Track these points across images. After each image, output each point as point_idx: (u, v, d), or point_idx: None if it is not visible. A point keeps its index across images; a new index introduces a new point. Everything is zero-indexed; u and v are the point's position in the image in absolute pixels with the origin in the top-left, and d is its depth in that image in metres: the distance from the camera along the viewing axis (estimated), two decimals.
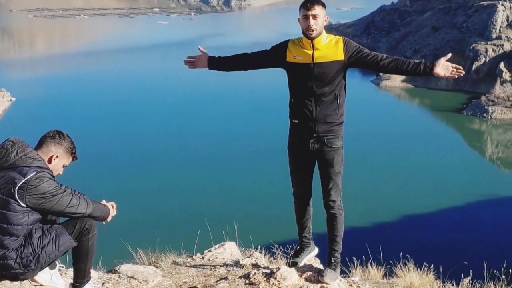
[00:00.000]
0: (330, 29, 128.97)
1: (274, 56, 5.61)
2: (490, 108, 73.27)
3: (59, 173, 4.92)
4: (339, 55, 5.35)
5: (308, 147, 5.54)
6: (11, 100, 74.58)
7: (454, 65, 5.33)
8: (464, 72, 5.35)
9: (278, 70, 5.61)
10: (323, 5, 5.40)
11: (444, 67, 5.35)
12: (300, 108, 5.49)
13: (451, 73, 5.36)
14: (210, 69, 5.79)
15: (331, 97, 5.43)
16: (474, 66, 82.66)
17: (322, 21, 5.35)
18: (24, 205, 4.52)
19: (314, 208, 5.94)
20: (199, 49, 5.78)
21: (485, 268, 6.99)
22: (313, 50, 5.38)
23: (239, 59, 5.76)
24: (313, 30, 5.31)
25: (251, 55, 5.74)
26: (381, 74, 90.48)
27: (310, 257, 6.15)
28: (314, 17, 5.30)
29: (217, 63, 5.75)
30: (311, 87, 5.41)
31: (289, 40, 5.59)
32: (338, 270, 5.74)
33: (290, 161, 5.80)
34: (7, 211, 4.50)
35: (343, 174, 5.68)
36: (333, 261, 5.71)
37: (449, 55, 5.46)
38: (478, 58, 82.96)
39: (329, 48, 5.38)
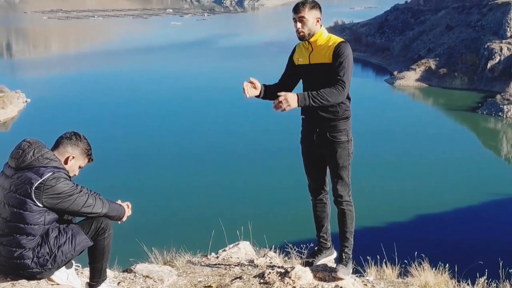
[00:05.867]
0: (344, 28, 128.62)
1: (291, 66, 5.73)
2: (505, 107, 72.82)
3: (74, 174, 4.95)
4: (328, 58, 5.39)
5: (314, 141, 5.64)
6: (26, 101, 75.02)
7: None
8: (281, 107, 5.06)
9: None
10: (313, 6, 5.40)
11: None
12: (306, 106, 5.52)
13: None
14: (261, 98, 5.67)
15: None
16: (489, 65, 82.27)
17: (311, 22, 5.37)
18: (41, 205, 4.55)
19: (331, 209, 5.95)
20: (251, 81, 5.49)
21: (500, 268, 6.95)
22: (311, 50, 5.47)
23: (279, 85, 5.74)
24: (300, 33, 5.40)
25: (283, 75, 5.80)
26: (395, 73, 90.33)
27: (327, 261, 6.12)
28: (301, 20, 5.36)
29: (267, 94, 5.65)
30: (311, 86, 5.46)
31: (297, 44, 5.68)
32: (350, 266, 5.73)
33: (302, 155, 5.91)
34: (24, 211, 4.54)
35: (351, 170, 5.68)
36: (344, 257, 5.71)
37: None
38: (493, 56, 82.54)
39: (323, 50, 5.42)
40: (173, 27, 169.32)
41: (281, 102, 5.00)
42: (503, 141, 65.44)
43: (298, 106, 5.14)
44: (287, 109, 5.04)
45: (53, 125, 54.51)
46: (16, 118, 69.41)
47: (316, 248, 6.15)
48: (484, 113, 73.06)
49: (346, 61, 5.35)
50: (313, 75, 5.50)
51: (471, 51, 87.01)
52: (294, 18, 5.41)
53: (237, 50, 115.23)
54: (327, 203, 5.97)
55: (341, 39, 5.49)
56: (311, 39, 5.43)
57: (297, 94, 5.14)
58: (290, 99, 5.04)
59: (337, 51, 5.35)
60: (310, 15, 5.38)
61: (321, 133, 5.58)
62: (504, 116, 71.60)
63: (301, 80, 5.72)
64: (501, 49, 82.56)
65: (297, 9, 5.38)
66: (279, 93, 5.09)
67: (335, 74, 5.33)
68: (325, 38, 5.45)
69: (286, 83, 5.79)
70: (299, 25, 5.37)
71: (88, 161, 5.02)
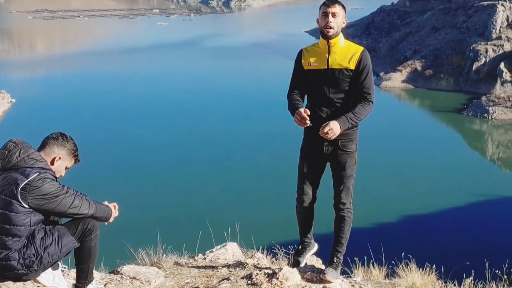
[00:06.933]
0: None
1: (298, 72, 5.64)
2: (490, 108, 73.20)
3: (61, 175, 4.92)
4: (351, 65, 5.34)
5: (322, 150, 5.55)
6: (11, 101, 74.49)
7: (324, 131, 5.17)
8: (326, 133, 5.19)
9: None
10: (343, 7, 5.42)
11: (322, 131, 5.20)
12: (314, 112, 5.46)
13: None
14: None
15: (344, 101, 5.43)
16: (474, 67, 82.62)
17: (341, 21, 5.36)
18: (27, 206, 4.52)
19: (317, 208, 5.95)
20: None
21: (486, 268, 6.99)
22: (329, 53, 5.37)
23: (298, 94, 5.64)
24: (331, 28, 5.31)
25: (295, 83, 5.70)
26: (381, 74, 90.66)
27: (311, 254, 6.17)
28: (334, 15, 5.31)
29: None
30: (325, 92, 5.43)
31: (302, 49, 5.61)
32: (339, 270, 5.77)
33: (300, 163, 5.78)
34: (10, 212, 4.50)
35: (355, 178, 5.70)
36: (335, 261, 5.73)
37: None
38: (478, 58, 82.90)
39: (344, 54, 5.36)
40: (160, 27, 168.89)
41: (327, 133, 5.12)
42: (488, 143, 65.81)
43: (341, 131, 5.19)
44: (333, 138, 5.16)
45: (39, 125, 54.17)
46: (1, 119, 68.87)
47: (300, 247, 6.17)
48: (470, 114, 73.36)
49: (370, 73, 5.42)
50: (330, 80, 5.39)
51: (456, 52, 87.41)
52: (324, 12, 5.33)
53: (225, 51, 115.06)
54: (314, 212, 5.98)
55: (362, 47, 5.45)
56: (332, 41, 5.36)
57: (337, 121, 5.17)
58: (335, 128, 5.13)
59: (363, 61, 5.34)
60: (341, 13, 5.36)
61: (332, 142, 5.46)
62: (489, 117, 71.94)
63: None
64: (486, 51, 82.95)
65: (330, 3, 5.31)
66: (324, 125, 5.14)
67: (361, 87, 5.36)
68: (343, 43, 5.42)
69: (302, 91, 5.68)
70: (331, 19, 5.30)
71: (75, 162, 5.00)
